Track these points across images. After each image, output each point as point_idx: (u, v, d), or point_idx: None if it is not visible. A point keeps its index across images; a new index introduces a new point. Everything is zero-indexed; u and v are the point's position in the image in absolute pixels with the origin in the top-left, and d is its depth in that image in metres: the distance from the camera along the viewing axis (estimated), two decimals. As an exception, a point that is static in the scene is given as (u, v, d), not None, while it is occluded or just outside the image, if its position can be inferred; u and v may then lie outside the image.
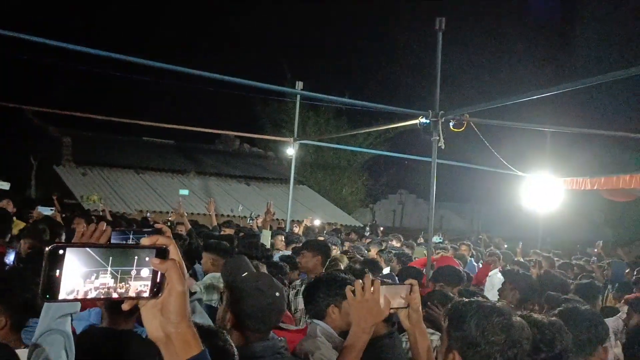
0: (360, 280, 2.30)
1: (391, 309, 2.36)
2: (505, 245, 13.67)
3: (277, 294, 2.68)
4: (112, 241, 2.21)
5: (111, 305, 2.47)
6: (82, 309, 3.08)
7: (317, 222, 14.12)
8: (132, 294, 1.09)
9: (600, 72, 6.28)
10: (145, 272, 1.09)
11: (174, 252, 1.13)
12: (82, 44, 7.65)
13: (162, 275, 1.11)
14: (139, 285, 1.09)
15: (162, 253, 1.12)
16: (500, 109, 8.33)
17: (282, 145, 14.14)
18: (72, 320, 2.41)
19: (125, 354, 2.37)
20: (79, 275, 1.02)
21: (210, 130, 16.52)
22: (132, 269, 1.08)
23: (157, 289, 1.11)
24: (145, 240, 1.12)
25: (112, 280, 1.05)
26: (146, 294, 1.10)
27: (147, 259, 1.10)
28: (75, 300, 1.05)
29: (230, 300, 2.69)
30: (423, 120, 7.76)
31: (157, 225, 2.28)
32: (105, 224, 2.33)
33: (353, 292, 2.29)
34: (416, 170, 26.21)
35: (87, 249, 1.03)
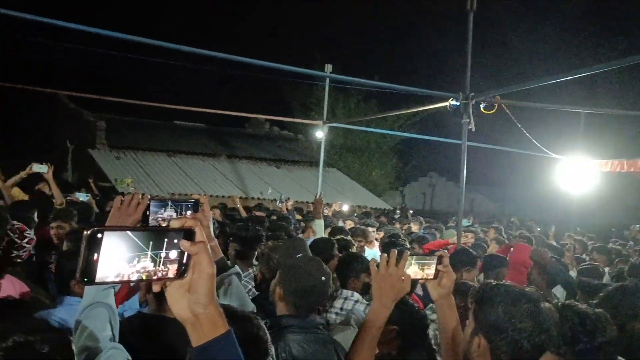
0: (386, 254, 2.30)
1: (419, 279, 2.37)
2: (538, 229, 13.52)
3: (323, 278, 2.87)
4: (151, 209, 2.22)
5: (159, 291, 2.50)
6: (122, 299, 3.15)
7: (345, 207, 14.11)
8: (163, 275, 1.11)
9: (636, 52, 6.13)
10: (174, 253, 1.12)
11: (201, 234, 1.15)
12: (114, 30, 7.74)
13: (189, 256, 1.13)
14: (169, 266, 1.12)
15: (189, 235, 1.13)
16: (531, 90, 8.22)
17: (311, 128, 14.16)
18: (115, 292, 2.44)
19: (172, 338, 2.40)
20: (116, 258, 1.04)
21: (240, 113, 16.58)
22: (163, 251, 1.10)
23: (183, 269, 1.13)
24: (174, 223, 1.14)
25: (150, 262, 1.08)
26: (173, 275, 1.13)
27: (175, 240, 1.11)
28: (113, 283, 1.07)
29: (281, 277, 2.90)
30: (453, 102, 7.69)
31: (194, 196, 2.29)
32: (141, 194, 2.35)
33: (378, 266, 2.30)
34: (446, 153, 25.98)
35: (127, 232, 1.05)
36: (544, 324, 1.99)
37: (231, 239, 5.23)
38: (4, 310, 2.76)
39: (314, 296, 2.83)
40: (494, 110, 7.90)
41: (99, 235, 1.02)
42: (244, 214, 10.23)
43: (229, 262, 2.92)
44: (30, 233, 4.56)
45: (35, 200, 7.45)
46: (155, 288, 1.15)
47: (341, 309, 3.92)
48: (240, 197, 19.59)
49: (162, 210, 2.22)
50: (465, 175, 7.70)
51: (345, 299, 3.98)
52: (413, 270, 2.31)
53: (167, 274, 1.11)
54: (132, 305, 3.08)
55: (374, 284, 2.30)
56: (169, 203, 2.24)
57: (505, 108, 8.18)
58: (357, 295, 4.02)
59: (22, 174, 7.68)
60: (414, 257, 2.34)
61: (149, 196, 2.33)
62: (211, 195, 18.91)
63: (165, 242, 1.10)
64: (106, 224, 2.23)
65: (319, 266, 2.94)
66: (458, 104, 7.62)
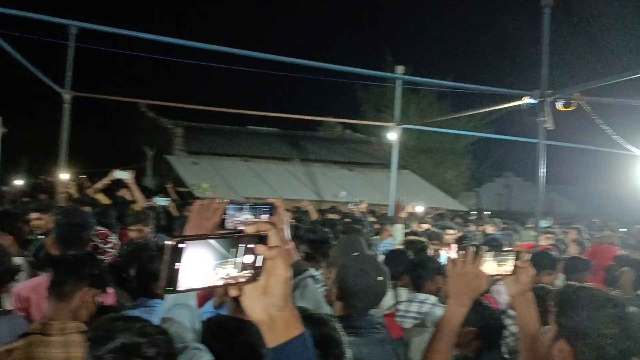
0: (463, 251, 2.27)
1: (496, 275, 2.31)
2: (625, 229, 12.98)
3: (380, 278, 2.81)
4: (229, 212, 2.23)
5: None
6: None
7: (419, 209, 13.99)
8: (242, 279, 1.14)
9: None
10: (250, 258, 1.14)
11: (275, 238, 1.17)
12: (190, 39, 7.99)
13: (263, 259, 1.15)
14: (246, 270, 1.14)
15: (263, 239, 1.15)
16: (611, 86, 7.88)
17: (384, 130, 14.11)
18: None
19: (250, 339, 2.45)
20: (199, 266, 1.07)
21: (313, 117, 16.71)
22: (240, 256, 1.12)
23: (257, 272, 1.16)
24: (249, 228, 1.16)
25: (230, 267, 1.11)
26: (249, 279, 1.15)
27: (251, 245, 1.14)
28: (196, 289, 1.11)
29: (337, 276, 2.86)
30: (529, 100, 7.50)
31: (269, 200, 2.30)
32: (217, 198, 2.38)
33: (454, 263, 2.26)
34: (523, 152, 25.27)
35: (208, 240, 1.08)
36: (631, 330, 1.90)
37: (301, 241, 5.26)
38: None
39: (370, 296, 2.78)
40: (572, 108, 7.65)
41: (181, 245, 1.04)
42: (314, 216, 10.28)
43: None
44: (114, 238, 4.76)
45: (115, 205, 7.75)
46: (233, 292, 1.17)
47: (418, 313, 3.85)
48: (314, 200, 19.76)
49: (239, 214, 2.24)
50: (543, 175, 7.49)
51: (421, 302, 3.92)
52: (490, 266, 2.27)
53: (244, 278, 1.13)
54: (206, 309, 3.13)
55: (450, 282, 2.26)
56: (246, 206, 2.26)
57: (585, 105, 7.92)
58: (433, 298, 3.95)
59: (105, 181, 8.01)
60: (491, 253, 2.30)
61: (226, 200, 2.36)
62: (285, 199, 19.10)
63: (241, 247, 1.12)
64: (186, 228, 2.30)
65: (375, 265, 2.88)
66: (535, 101, 7.42)
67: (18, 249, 4.17)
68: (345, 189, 20.92)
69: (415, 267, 4.33)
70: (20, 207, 6.92)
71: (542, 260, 5.16)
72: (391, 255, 5.12)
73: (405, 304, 3.97)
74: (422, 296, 3.98)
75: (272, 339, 1.19)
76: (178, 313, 2.28)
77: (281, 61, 8.69)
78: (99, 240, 4.44)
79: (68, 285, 2.71)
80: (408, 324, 3.78)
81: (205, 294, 3.53)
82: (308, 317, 1.85)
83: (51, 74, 10.12)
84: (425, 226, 9.69)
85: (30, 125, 26.83)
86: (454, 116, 19.24)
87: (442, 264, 4.40)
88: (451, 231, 8.08)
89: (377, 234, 8.57)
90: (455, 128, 24.22)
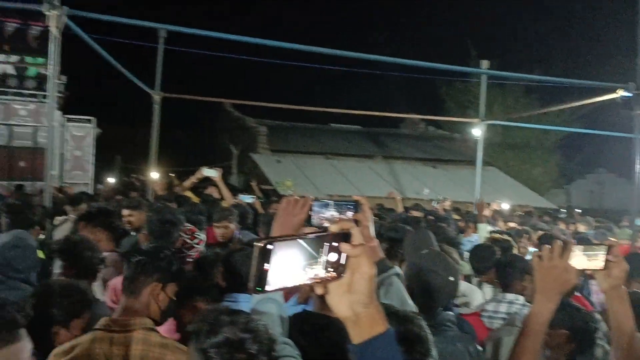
0: (549, 245, 2.19)
1: (586, 269, 2.24)
2: None
3: (451, 277, 2.79)
4: (314, 209, 2.24)
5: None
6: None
7: (506, 207, 13.64)
8: (328, 278, 1.15)
9: None
10: (334, 256, 1.14)
11: (359, 236, 1.17)
12: (273, 38, 8.13)
13: (347, 257, 1.15)
14: (332, 268, 1.15)
15: (347, 237, 1.16)
16: None
17: (468, 126, 13.87)
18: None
19: (335, 336, 2.47)
20: (287, 266, 1.08)
21: (395, 114, 16.59)
22: (326, 255, 1.13)
23: (341, 270, 1.16)
24: (332, 227, 1.16)
25: (318, 266, 1.12)
26: (333, 277, 1.15)
27: (334, 243, 1.14)
28: (282, 289, 1.12)
29: (407, 274, 2.83)
30: (624, 93, 7.18)
31: (354, 197, 2.32)
32: (302, 196, 2.39)
33: (541, 257, 2.19)
34: (616, 147, 24.16)
35: (296, 240, 1.09)
36: None
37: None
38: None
39: (441, 296, 2.74)
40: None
41: (270, 247, 1.06)
42: (401, 209, 10.21)
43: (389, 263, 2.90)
44: (200, 234, 4.89)
45: (203, 202, 7.97)
46: (319, 290, 1.17)
47: (507, 313, 3.75)
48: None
49: (325, 210, 2.26)
50: (639, 170, 7.15)
51: (510, 303, 3.81)
52: (579, 261, 2.19)
53: (329, 276, 1.14)
54: (290, 304, 3.17)
55: (537, 277, 2.18)
56: (331, 203, 2.28)
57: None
58: (521, 299, 3.83)
59: (193, 179, 8.26)
60: (580, 247, 2.21)
61: (312, 197, 2.38)
62: (368, 196, 19.07)
63: (326, 246, 1.13)
64: (274, 225, 2.33)
65: (446, 264, 2.83)
66: (630, 94, 7.10)
67: (110, 243, 4.36)
68: (429, 187, 20.65)
69: (503, 266, 4.21)
70: (114, 204, 7.23)
71: (635, 264, 4.82)
72: (477, 250, 5.02)
73: (494, 304, 3.87)
74: (510, 296, 3.87)
75: (357, 335, 1.19)
76: (267, 307, 2.30)
77: (363, 58, 8.70)
78: (187, 236, 4.58)
79: (136, 281, 2.67)
80: (497, 324, 3.69)
81: (290, 290, 3.58)
82: (394, 315, 1.84)
83: (141, 76, 10.53)
84: (511, 225, 9.44)
85: (123, 126, 28.02)
86: (542, 111, 18.62)
87: (529, 261, 4.26)
88: (541, 233, 7.82)
89: (461, 232, 8.43)
90: (543, 123, 23.44)
